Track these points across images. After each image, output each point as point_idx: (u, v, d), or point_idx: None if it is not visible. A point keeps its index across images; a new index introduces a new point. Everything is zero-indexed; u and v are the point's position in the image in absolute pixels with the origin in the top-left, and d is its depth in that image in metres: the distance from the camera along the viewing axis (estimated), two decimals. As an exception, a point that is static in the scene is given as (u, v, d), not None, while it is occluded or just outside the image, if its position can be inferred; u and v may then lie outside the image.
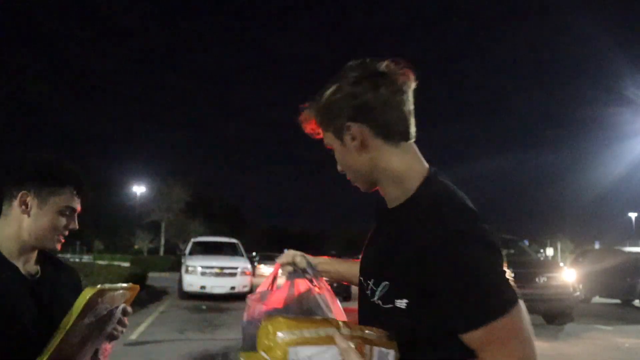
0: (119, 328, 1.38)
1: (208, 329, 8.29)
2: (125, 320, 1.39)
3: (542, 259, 16.44)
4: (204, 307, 11.43)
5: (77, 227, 1.39)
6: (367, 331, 0.98)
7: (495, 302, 0.90)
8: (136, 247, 48.75)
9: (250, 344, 1.02)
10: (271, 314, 1.02)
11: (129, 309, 1.39)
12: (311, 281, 1.27)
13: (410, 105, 1.05)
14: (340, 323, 0.97)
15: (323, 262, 1.37)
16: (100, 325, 1.29)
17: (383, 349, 0.97)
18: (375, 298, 1.04)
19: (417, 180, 1.04)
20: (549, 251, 44.30)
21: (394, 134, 1.04)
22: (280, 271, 1.36)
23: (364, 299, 1.09)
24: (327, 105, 1.06)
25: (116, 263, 23.67)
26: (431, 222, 0.95)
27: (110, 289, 1.26)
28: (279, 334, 0.91)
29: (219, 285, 12.82)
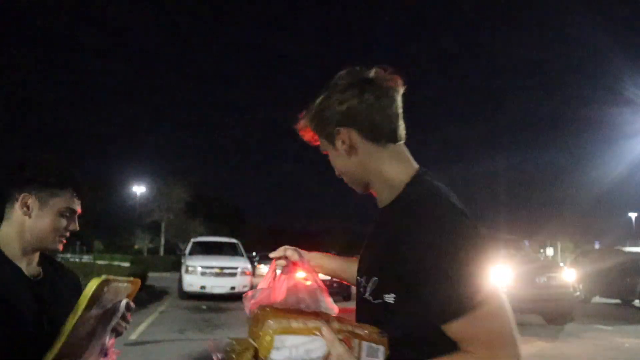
0: (123, 323, 1.40)
1: (208, 329, 8.30)
2: (129, 316, 1.41)
3: (542, 259, 16.48)
4: (204, 307, 11.43)
5: (78, 228, 1.41)
6: (357, 327, 1.00)
7: (474, 293, 0.91)
8: (136, 247, 48.78)
9: None
10: (263, 307, 1.04)
11: (132, 304, 1.41)
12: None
13: (397, 109, 1.10)
14: (331, 317, 1.00)
15: (316, 256, 1.40)
16: (105, 319, 1.31)
17: (373, 345, 0.98)
18: (367, 294, 1.07)
19: (405, 180, 1.08)
20: (549, 251, 44.32)
21: (381, 136, 1.08)
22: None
23: (359, 297, 1.12)
24: (319, 113, 1.12)
25: (116, 263, 23.71)
26: (412, 217, 0.99)
27: (114, 280, 1.28)
28: (267, 322, 0.94)
29: (219, 285, 12.83)
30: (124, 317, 1.38)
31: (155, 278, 18.17)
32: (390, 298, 1.01)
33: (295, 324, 0.96)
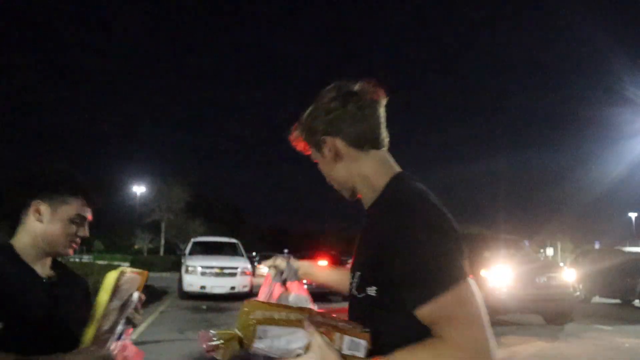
0: (137, 315, 1.47)
1: (208, 329, 8.30)
2: (139, 307, 1.48)
3: (542, 259, 16.46)
4: (204, 307, 11.44)
5: (88, 234, 1.49)
6: (340, 322, 1.06)
7: (441, 278, 0.98)
8: (136, 247, 48.80)
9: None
10: (250, 300, 1.10)
11: (143, 295, 1.48)
12: (284, 282, 1.39)
13: (379, 118, 1.19)
14: (314, 311, 1.06)
15: (305, 265, 1.50)
16: (122, 311, 1.40)
17: (354, 338, 1.03)
18: (353, 289, 1.14)
19: (385, 182, 1.15)
20: (549, 251, 44.28)
21: (364, 143, 1.17)
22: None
23: (349, 294, 1.18)
24: (307, 124, 1.22)
25: (116, 263, 23.70)
26: (388, 213, 1.07)
27: (128, 272, 1.39)
28: (251, 313, 1.01)
29: (219, 285, 12.82)
30: (136, 309, 1.46)
31: (155, 278, 18.16)
32: (372, 291, 1.07)
33: (277, 315, 1.02)
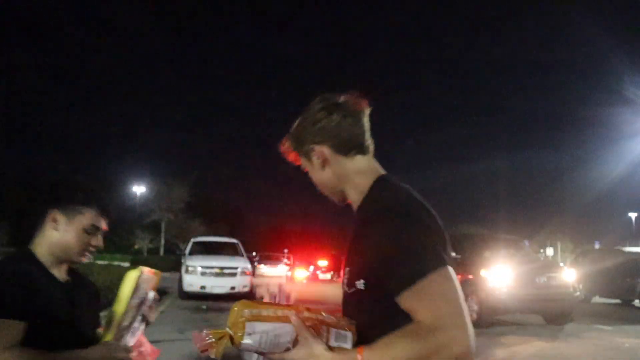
0: (152, 314, 1.57)
1: (207, 329, 8.30)
2: (154, 305, 1.57)
3: (542, 259, 16.47)
4: (204, 307, 11.43)
5: (102, 244, 1.58)
6: (327, 316, 1.12)
7: (420, 265, 1.05)
8: (136, 247, 48.75)
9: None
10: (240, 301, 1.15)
11: (157, 296, 1.57)
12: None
13: (363, 127, 1.28)
14: (302, 308, 1.11)
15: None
16: (139, 308, 1.50)
17: (341, 331, 1.10)
18: (344, 285, 1.22)
19: (370, 184, 1.24)
20: (549, 251, 44.27)
21: (350, 149, 1.26)
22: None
23: (342, 293, 1.26)
24: (297, 135, 1.31)
25: (116, 263, 23.67)
26: (372, 210, 1.16)
27: (145, 271, 1.50)
28: (240, 311, 1.06)
29: (219, 285, 12.81)
30: (150, 307, 1.56)
31: (155, 278, 18.14)
32: (361, 284, 1.14)
33: (265, 312, 1.07)
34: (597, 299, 14.14)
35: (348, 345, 1.10)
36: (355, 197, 1.26)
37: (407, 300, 1.05)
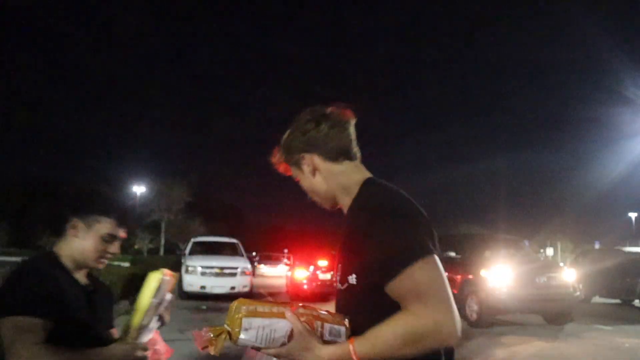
0: (166, 315, 1.66)
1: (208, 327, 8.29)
2: (169, 307, 1.66)
3: (542, 259, 16.46)
4: (204, 307, 11.43)
5: (119, 252, 1.68)
6: (322, 312, 1.16)
7: (407, 254, 1.10)
8: (136, 247, 48.72)
9: None
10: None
11: (173, 297, 1.66)
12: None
13: (350, 135, 1.34)
14: (297, 305, 1.15)
15: None
16: (157, 308, 1.58)
17: (335, 326, 1.14)
18: (337, 283, 1.28)
19: (358, 186, 1.30)
20: (549, 251, 44.23)
21: (338, 156, 1.32)
22: None
23: (336, 291, 1.32)
24: (287, 146, 1.37)
25: (116, 263, 23.61)
26: (360, 208, 1.23)
27: (166, 274, 1.60)
28: (237, 308, 1.10)
29: (219, 285, 12.80)
30: (166, 308, 1.65)
31: (155, 278, 18.13)
32: (352, 279, 1.20)
33: (261, 308, 1.12)
34: (597, 299, 14.13)
35: (342, 339, 1.14)
36: (345, 201, 1.32)
37: (395, 289, 1.10)
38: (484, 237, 11.85)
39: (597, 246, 32.79)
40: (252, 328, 1.09)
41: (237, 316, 1.10)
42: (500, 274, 9.10)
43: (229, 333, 1.10)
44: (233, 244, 15.46)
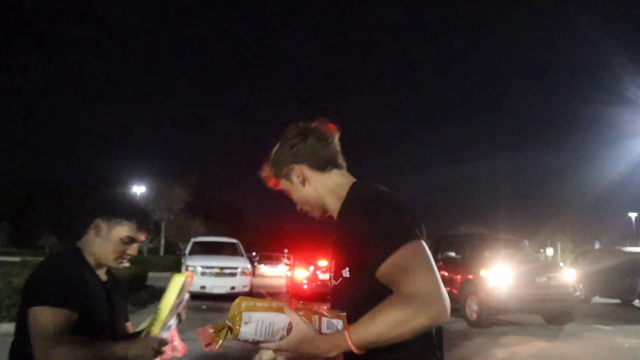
0: (183, 313, 1.75)
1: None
2: (186, 306, 1.76)
3: (542, 259, 16.45)
4: (204, 307, 11.42)
5: (137, 253, 1.78)
6: (318, 308, 1.20)
7: (395, 239, 1.16)
8: (136, 247, 48.67)
9: None
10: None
11: (188, 296, 1.77)
12: None
13: (336, 147, 1.43)
14: (294, 302, 1.20)
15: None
16: (177, 307, 1.69)
17: (333, 320, 1.18)
18: (332, 280, 1.35)
19: (347, 190, 1.37)
20: (549, 251, 44.22)
21: (326, 165, 1.40)
22: None
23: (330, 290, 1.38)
24: (276, 159, 1.45)
25: (116, 263, 23.56)
26: (350, 206, 1.31)
27: (188, 276, 1.71)
28: (238, 304, 1.16)
29: (219, 285, 12.80)
30: (184, 307, 1.74)
31: (155, 278, 18.14)
32: (346, 272, 1.27)
33: (260, 304, 1.17)
34: (597, 299, 14.13)
35: None
36: (335, 205, 1.38)
37: (385, 273, 1.15)
38: (484, 237, 11.85)
39: (597, 246, 32.80)
40: (252, 321, 1.14)
41: (237, 311, 1.15)
42: (500, 274, 9.10)
43: (230, 328, 1.15)
44: (233, 244, 15.45)
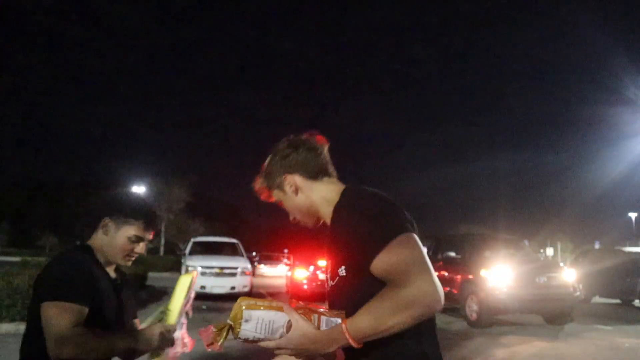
0: (190, 310, 1.81)
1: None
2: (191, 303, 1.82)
3: (542, 259, 16.44)
4: (204, 307, 11.43)
5: (144, 252, 1.83)
6: (318, 308, 1.23)
7: (385, 233, 1.19)
8: (136, 247, 48.62)
9: None
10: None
11: (194, 294, 1.84)
12: None
13: (326, 157, 1.47)
14: (294, 302, 1.23)
15: None
16: (186, 306, 1.76)
17: (332, 318, 1.20)
18: (329, 280, 1.38)
19: (339, 195, 1.39)
20: (549, 251, 44.21)
21: (317, 174, 1.44)
22: None
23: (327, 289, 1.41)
24: (269, 171, 1.48)
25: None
26: (342, 208, 1.33)
27: (194, 276, 1.79)
28: (240, 304, 1.19)
29: (219, 285, 12.80)
30: (190, 304, 1.80)
31: (155, 278, 18.15)
32: (342, 271, 1.29)
33: (260, 303, 1.20)
34: (597, 299, 14.13)
35: None
36: (327, 211, 1.41)
37: (379, 265, 1.17)
38: (484, 237, 11.84)
39: (597, 246, 32.78)
40: (252, 320, 1.17)
41: (238, 310, 1.18)
42: (500, 274, 9.10)
43: (231, 327, 1.18)
44: (233, 244, 15.46)
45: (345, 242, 1.27)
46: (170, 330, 1.66)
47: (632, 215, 46.60)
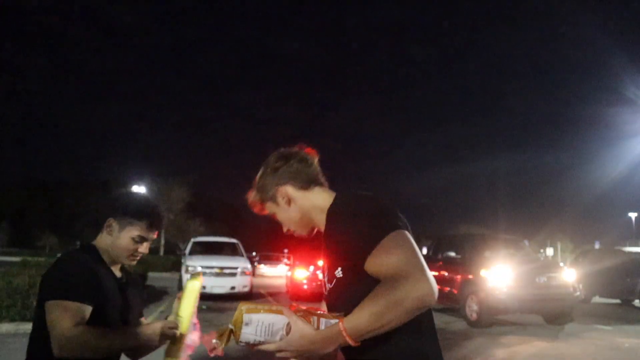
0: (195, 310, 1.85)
1: (208, 329, 8.28)
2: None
3: (542, 259, 16.44)
4: (204, 307, 11.42)
5: (147, 252, 1.85)
6: (317, 311, 1.24)
7: (377, 230, 1.21)
8: (136, 247, 48.60)
9: None
10: None
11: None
12: None
13: (316, 168, 1.50)
14: (294, 306, 1.25)
15: None
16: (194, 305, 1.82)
17: (331, 320, 1.20)
18: (326, 284, 1.41)
19: (331, 202, 1.41)
20: (549, 251, 44.20)
21: (309, 184, 1.46)
22: None
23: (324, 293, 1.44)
24: (261, 184, 1.50)
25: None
26: (336, 212, 1.35)
27: (200, 280, 1.85)
28: (241, 308, 1.22)
29: (219, 285, 12.78)
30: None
31: (155, 278, 18.16)
32: (339, 273, 1.31)
33: (261, 307, 1.23)
34: (597, 299, 14.13)
35: None
36: (321, 219, 1.42)
37: (373, 263, 1.20)
38: (484, 237, 11.84)
39: (597, 246, 32.78)
40: (252, 323, 1.19)
41: (238, 314, 1.20)
42: (500, 274, 9.10)
43: (232, 332, 1.20)
44: (233, 244, 15.46)
45: (339, 243, 1.29)
46: (172, 326, 1.70)
47: (632, 215, 46.61)
